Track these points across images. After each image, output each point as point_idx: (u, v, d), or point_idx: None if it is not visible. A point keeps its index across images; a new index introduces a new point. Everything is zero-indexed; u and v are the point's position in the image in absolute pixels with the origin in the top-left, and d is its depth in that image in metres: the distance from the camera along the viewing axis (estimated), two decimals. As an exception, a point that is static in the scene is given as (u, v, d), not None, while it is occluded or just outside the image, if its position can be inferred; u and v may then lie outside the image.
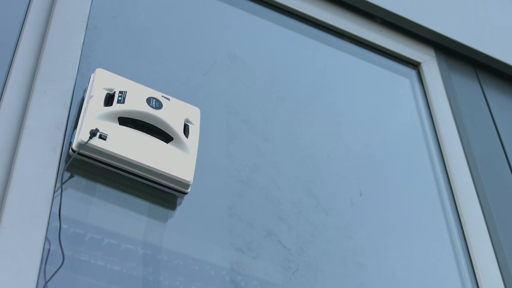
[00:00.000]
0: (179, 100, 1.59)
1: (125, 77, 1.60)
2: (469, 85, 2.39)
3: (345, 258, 1.71)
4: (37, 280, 1.27)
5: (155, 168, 1.47)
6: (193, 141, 1.55)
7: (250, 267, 1.56)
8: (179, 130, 1.53)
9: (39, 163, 1.40)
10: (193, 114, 1.60)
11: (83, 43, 1.65)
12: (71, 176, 1.46)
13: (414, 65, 2.34)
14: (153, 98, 1.53)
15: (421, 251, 1.87)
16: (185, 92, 1.78)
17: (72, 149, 1.44)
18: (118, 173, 1.48)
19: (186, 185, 1.50)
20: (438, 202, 2.00)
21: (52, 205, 1.37)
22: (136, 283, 1.43)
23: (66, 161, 1.45)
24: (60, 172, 1.41)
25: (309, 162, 1.85)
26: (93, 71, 1.59)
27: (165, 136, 1.52)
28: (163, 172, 1.47)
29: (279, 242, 1.63)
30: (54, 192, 1.38)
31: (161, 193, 1.53)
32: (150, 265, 1.46)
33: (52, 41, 1.61)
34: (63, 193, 1.39)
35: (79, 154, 1.44)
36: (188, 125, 1.57)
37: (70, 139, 1.46)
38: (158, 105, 1.53)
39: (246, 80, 1.92)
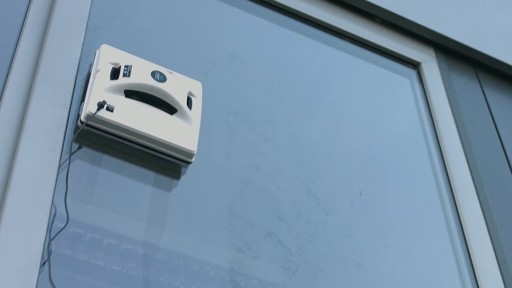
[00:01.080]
0: (181, 74, 1.65)
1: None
2: (469, 85, 2.39)
3: (345, 258, 1.71)
4: (37, 280, 1.27)
5: (160, 139, 1.52)
6: (196, 113, 1.61)
7: (250, 267, 1.56)
8: (183, 102, 1.58)
9: (39, 163, 1.40)
10: (196, 87, 1.65)
11: (83, 43, 1.65)
12: (79, 147, 1.50)
13: (414, 65, 2.34)
14: (157, 71, 1.59)
15: (421, 251, 1.87)
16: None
17: (80, 120, 1.49)
18: (124, 144, 1.53)
19: (190, 154, 1.55)
20: (438, 202, 2.00)
21: (52, 205, 1.37)
22: (136, 283, 1.43)
23: (75, 132, 1.49)
24: (68, 142, 1.46)
25: (309, 162, 1.85)
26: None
27: (169, 108, 1.57)
28: (168, 142, 1.53)
29: (279, 242, 1.63)
30: (60, 166, 1.42)
31: (166, 162, 1.57)
32: (150, 265, 1.46)
33: (52, 41, 1.61)
34: (71, 164, 1.44)
35: (87, 125, 1.49)
36: (191, 98, 1.62)
37: (78, 112, 1.51)
38: (162, 78, 1.58)
39: (246, 80, 1.92)
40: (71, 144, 1.46)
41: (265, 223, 1.65)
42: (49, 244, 1.33)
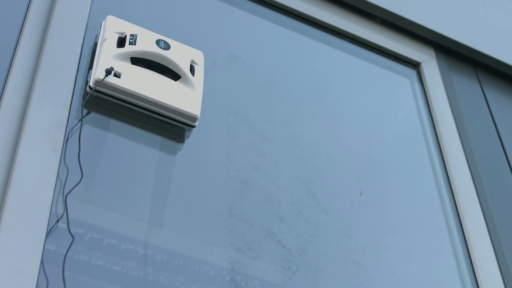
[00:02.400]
0: (184, 44, 1.71)
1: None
2: (469, 85, 2.39)
3: (345, 258, 1.71)
4: (37, 280, 1.27)
5: (165, 103, 1.60)
6: (198, 79, 1.68)
7: (250, 267, 1.56)
8: (186, 69, 1.65)
9: (39, 163, 1.40)
10: (198, 56, 1.72)
11: (83, 43, 1.65)
12: (88, 113, 1.56)
13: (414, 65, 2.34)
14: (162, 40, 1.66)
15: (421, 251, 1.87)
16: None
17: (89, 86, 1.55)
18: (131, 109, 1.60)
19: (194, 118, 1.63)
20: (438, 202, 2.00)
21: (52, 205, 1.37)
22: (136, 283, 1.43)
23: (83, 98, 1.56)
24: (75, 107, 1.53)
25: (309, 162, 1.85)
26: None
27: (173, 75, 1.64)
28: (172, 106, 1.60)
29: (279, 242, 1.63)
30: (66, 133, 1.48)
31: (171, 126, 1.64)
32: (150, 265, 1.46)
33: (52, 41, 1.61)
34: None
35: (95, 91, 1.55)
36: (193, 66, 1.70)
37: (87, 78, 1.58)
38: (167, 47, 1.65)
39: (246, 80, 1.92)
40: (82, 108, 1.53)
41: (265, 223, 1.65)
42: (65, 198, 1.39)
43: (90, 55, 1.65)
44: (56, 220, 1.37)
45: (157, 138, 1.65)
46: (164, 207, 1.56)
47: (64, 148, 1.47)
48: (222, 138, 1.75)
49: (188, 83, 1.65)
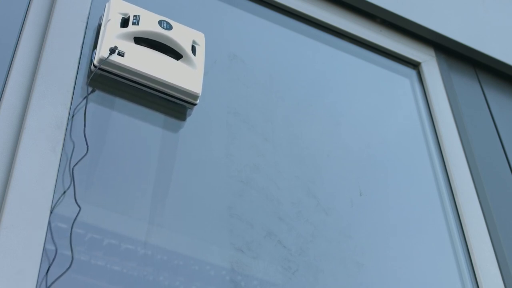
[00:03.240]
0: (185, 26, 1.76)
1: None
2: (469, 85, 2.39)
3: (345, 258, 1.71)
4: (37, 280, 1.27)
5: (168, 82, 1.64)
6: (199, 59, 1.73)
7: (250, 267, 1.56)
8: (188, 49, 1.70)
9: (39, 163, 1.40)
10: (199, 37, 1.77)
11: (83, 43, 1.65)
12: (92, 91, 1.60)
13: (414, 65, 2.34)
14: (164, 21, 1.71)
15: (421, 251, 1.87)
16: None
17: (94, 64, 1.60)
18: (135, 87, 1.64)
19: (195, 96, 1.67)
20: (438, 202, 2.00)
21: (52, 204, 1.37)
22: (136, 283, 1.43)
23: (88, 76, 1.60)
24: (80, 85, 1.58)
25: (309, 162, 1.85)
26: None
27: (175, 54, 1.69)
28: (175, 85, 1.65)
29: (279, 242, 1.63)
30: (72, 108, 1.52)
31: (172, 104, 1.68)
32: (150, 265, 1.46)
33: (52, 41, 1.61)
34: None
35: (99, 69, 1.60)
36: (195, 46, 1.74)
37: (91, 58, 1.63)
38: (169, 27, 1.70)
39: (246, 80, 1.92)
40: (87, 86, 1.58)
41: (265, 223, 1.65)
42: (72, 170, 1.43)
43: (94, 38, 1.69)
44: (55, 220, 1.37)
45: (160, 116, 1.69)
46: (164, 207, 1.56)
47: (69, 124, 1.51)
48: (222, 138, 1.75)
49: (189, 62, 1.69)
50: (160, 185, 1.58)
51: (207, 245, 1.56)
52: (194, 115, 1.75)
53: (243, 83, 1.91)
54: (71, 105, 1.53)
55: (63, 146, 1.46)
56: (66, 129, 1.49)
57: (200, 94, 1.67)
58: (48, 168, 1.41)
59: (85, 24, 1.69)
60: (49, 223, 1.35)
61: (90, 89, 1.59)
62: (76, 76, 1.59)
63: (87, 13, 1.72)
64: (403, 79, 2.30)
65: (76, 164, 1.45)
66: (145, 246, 1.48)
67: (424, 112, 2.22)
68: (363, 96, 2.16)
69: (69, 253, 1.36)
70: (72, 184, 1.42)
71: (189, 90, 1.66)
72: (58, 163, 1.43)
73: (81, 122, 1.52)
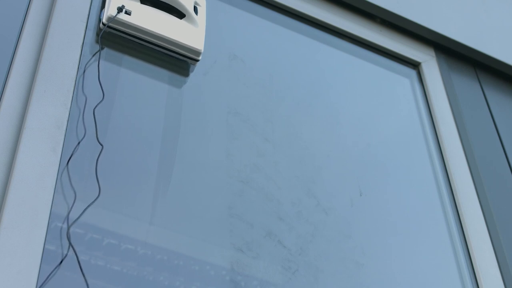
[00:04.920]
0: None
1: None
2: (469, 85, 2.39)
3: (345, 258, 1.71)
4: (37, 280, 1.27)
5: (172, 39, 1.74)
6: (201, 18, 1.83)
7: (250, 267, 1.56)
8: (191, 9, 1.79)
9: (39, 163, 1.40)
10: None
11: (83, 43, 1.66)
12: (101, 48, 1.69)
13: (414, 65, 2.34)
14: None
15: (421, 251, 1.87)
16: (185, 92, 1.78)
17: (102, 23, 1.69)
18: (141, 44, 1.74)
19: (197, 53, 1.77)
20: (438, 202, 2.00)
21: (52, 205, 1.37)
22: (136, 283, 1.43)
23: (97, 34, 1.70)
24: (88, 42, 1.67)
25: (309, 162, 1.85)
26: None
27: (178, 13, 1.79)
28: (178, 41, 1.74)
29: (279, 242, 1.63)
30: (78, 66, 1.59)
31: (176, 60, 1.78)
32: (150, 265, 1.46)
33: (52, 41, 1.61)
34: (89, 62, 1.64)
35: (108, 27, 1.69)
36: (197, 6, 1.85)
37: (100, 16, 1.73)
38: None
39: (246, 80, 1.92)
40: (100, 40, 1.68)
41: (265, 223, 1.65)
42: (94, 112, 1.54)
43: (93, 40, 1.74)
44: (55, 220, 1.37)
45: (164, 72, 1.77)
46: (164, 207, 1.56)
47: (81, 79, 1.59)
48: (222, 138, 1.75)
49: (192, 21, 1.78)
50: (160, 185, 1.58)
51: (207, 245, 1.56)
52: (194, 115, 1.75)
53: (243, 83, 1.91)
54: (71, 105, 1.53)
55: (63, 146, 1.46)
56: (67, 128, 1.49)
57: (202, 51, 1.77)
58: (48, 168, 1.41)
59: (85, 24, 1.69)
60: (49, 223, 1.35)
61: (99, 45, 1.67)
62: (76, 75, 1.59)
63: (87, 13, 1.72)
64: (403, 79, 2.30)
65: (96, 107, 1.56)
66: (145, 246, 1.48)
67: (424, 112, 2.22)
68: (363, 96, 2.16)
69: (69, 253, 1.36)
70: (95, 125, 1.53)
71: (192, 47, 1.75)
72: (58, 163, 1.43)
73: (90, 76, 1.60)
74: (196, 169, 1.66)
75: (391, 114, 2.19)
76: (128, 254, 1.45)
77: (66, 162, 1.46)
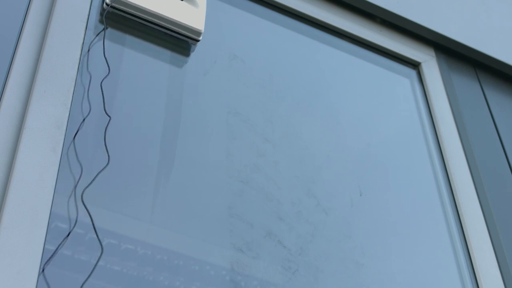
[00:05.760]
0: None
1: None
2: (469, 85, 2.39)
3: (345, 258, 1.71)
4: (37, 280, 1.27)
5: (173, 19, 1.80)
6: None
7: (250, 267, 1.56)
8: None
9: (39, 163, 1.40)
10: None
11: (83, 43, 1.65)
12: (106, 27, 1.73)
13: (414, 65, 2.34)
14: None
15: (421, 251, 1.87)
16: (185, 92, 1.78)
17: (106, 3, 1.75)
18: (143, 24, 1.80)
19: (198, 33, 1.83)
20: (438, 202, 2.00)
21: (52, 205, 1.37)
22: (136, 283, 1.43)
23: (101, 14, 1.75)
24: (92, 24, 1.72)
25: (309, 162, 1.85)
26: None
27: None
28: (180, 22, 1.80)
29: (279, 242, 1.63)
30: (82, 44, 1.64)
31: (177, 40, 1.83)
32: (150, 265, 1.46)
33: (52, 41, 1.61)
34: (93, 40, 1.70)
35: (111, 7, 1.75)
36: None
37: None
38: None
39: (246, 80, 1.92)
40: (104, 18, 1.73)
41: (265, 223, 1.65)
42: (101, 85, 1.61)
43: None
44: (55, 220, 1.37)
45: (166, 52, 1.82)
46: (164, 207, 1.56)
47: (85, 59, 1.63)
48: (222, 138, 1.75)
49: (192, 2, 1.84)
50: (160, 184, 1.58)
51: (207, 245, 1.56)
52: (194, 114, 1.75)
53: (243, 83, 1.91)
54: (71, 105, 1.53)
55: (63, 146, 1.46)
56: (67, 127, 1.49)
57: (203, 31, 1.82)
58: (48, 168, 1.41)
59: (85, 24, 1.69)
60: (49, 223, 1.35)
61: (103, 25, 1.73)
62: (76, 75, 1.59)
63: (87, 13, 1.72)
64: (403, 79, 2.30)
65: (103, 80, 1.61)
66: (145, 246, 1.48)
67: (424, 112, 2.22)
68: (363, 96, 2.16)
69: (70, 253, 1.37)
70: (102, 97, 1.59)
71: (193, 27, 1.81)
72: (58, 163, 1.43)
73: (95, 54, 1.65)
74: (196, 169, 1.66)
75: (391, 114, 2.19)
76: (128, 254, 1.45)
77: (73, 137, 1.50)
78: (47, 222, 1.34)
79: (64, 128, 1.48)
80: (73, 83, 1.57)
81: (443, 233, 1.93)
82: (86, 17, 1.71)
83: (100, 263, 1.40)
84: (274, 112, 1.90)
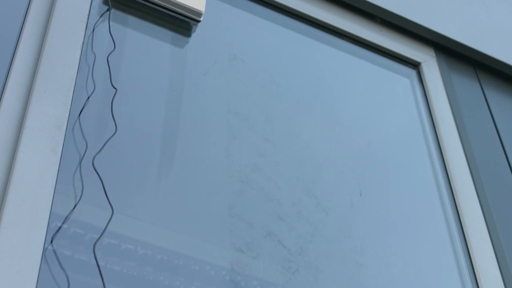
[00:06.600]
0: None
1: (126, 76, 1.69)
2: (469, 85, 2.39)
3: (345, 258, 1.71)
4: (37, 280, 1.27)
5: (175, 0, 1.85)
6: None
7: (250, 267, 1.56)
8: None
9: (39, 163, 1.40)
10: None
11: (83, 43, 1.65)
12: (108, 10, 1.78)
13: (414, 65, 2.34)
14: None
15: (421, 251, 1.87)
16: (185, 92, 1.78)
17: None
18: (146, 5, 1.85)
19: (199, 13, 1.89)
20: (438, 202, 2.00)
21: (52, 205, 1.37)
22: (136, 283, 1.43)
23: None
24: (96, 5, 1.75)
25: (309, 162, 1.85)
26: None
27: None
28: (181, 2, 1.86)
29: (279, 242, 1.63)
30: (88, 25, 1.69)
31: (178, 20, 1.89)
32: (150, 265, 1.46)
33: (52, 41, 1.61)
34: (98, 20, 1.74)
35: None
36: None
37: None
38: None
39: (246, 80, 1.92)
40: (110, 2, 1.78)
41: (265, 223, 1.65)
42: (107, 59, 1.67)
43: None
44: (55, 220, 1.37)
45: (167, 32, 1.87)
46: (164, 207, 1.56)
47: (90, 39, 1.68)
48: (222, 138, 1.75)
49: None
50: (161, 185, 1.58)
51: (207, 245, 1.56)
52: (195, 114, 1.75)
53: (243, 83, 1.91)
54: (71, 105, 1.53)
55: (63, 146, 1.46)
56: (67, 128, 1.49)
57: (204, 12, 1.88)
58: (48, 168, 1.41)
59: (85, 24, 1.69)
60: (49, 223, 1.35)
61: (105, 8, 1.77)
62: (76, 75, 1.59)
63: (87, 13, 1.72)
64: (403, 79, 2.30)
65: (110, 54, 1.67)
66: (145, 246, 1.48)
67: (424, 112, 2.22)
68: (363, 96, 2.16)
69: (69, 253, 1.37)
70: (109, 71, 1.64)
71: (194, 8, 1.87)
72: (58, 163, 1.43)
73: (99, 32, 1.70)
74: (196, 169, 1.66)
75: (391, 114, 2.19)
76: (128, 254, 1.45)
77: (78, 114, 1.54)
78: (47, 222, 1.34)
79: (64, 128, 1.48)
80: (73, 83, 1.57)
81: (443, 233, 1.93)
82: (86, 17, 1.71)
83: (100, 263, 1.40)
84: (274, 112, 1.90)
